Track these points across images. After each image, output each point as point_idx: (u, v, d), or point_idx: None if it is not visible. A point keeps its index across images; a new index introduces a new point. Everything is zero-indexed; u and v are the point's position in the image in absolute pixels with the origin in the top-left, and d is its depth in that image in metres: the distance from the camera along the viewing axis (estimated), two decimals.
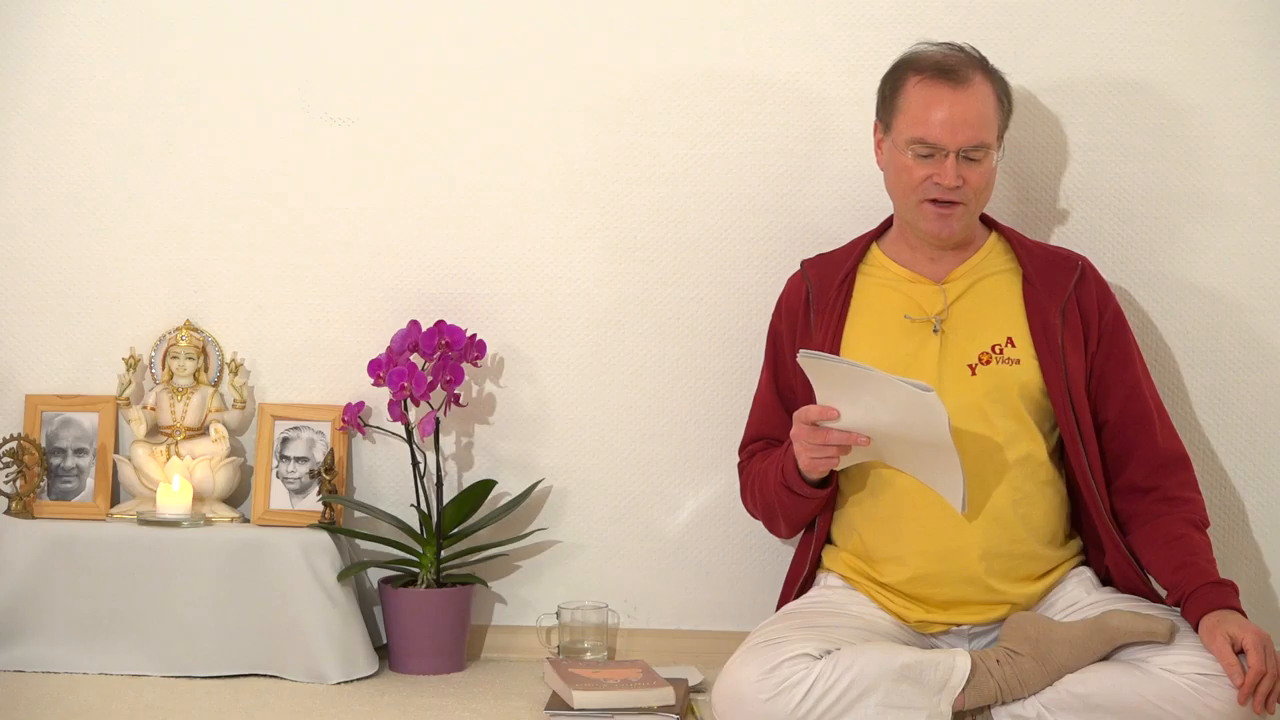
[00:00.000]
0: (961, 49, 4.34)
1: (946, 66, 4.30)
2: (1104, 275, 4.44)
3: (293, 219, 4.88)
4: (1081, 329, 4.36)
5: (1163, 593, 4.28)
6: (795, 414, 4.20)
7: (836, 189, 4.74)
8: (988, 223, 4.44)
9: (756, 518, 4.53)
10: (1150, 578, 4.33)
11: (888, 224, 4.46)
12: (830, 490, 4.30)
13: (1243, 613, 4.15)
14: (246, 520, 4.78)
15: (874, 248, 4.44)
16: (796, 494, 4.26)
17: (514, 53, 4.86)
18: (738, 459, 4.59)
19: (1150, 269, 4.74)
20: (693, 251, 4.83)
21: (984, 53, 4.34)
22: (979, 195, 4.31)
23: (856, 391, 4.09)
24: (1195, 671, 4.04)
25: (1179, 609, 4.19)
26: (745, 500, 4.54)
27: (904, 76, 4.32)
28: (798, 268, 4.50)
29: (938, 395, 4.04)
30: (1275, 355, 4.78)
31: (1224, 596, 4.17)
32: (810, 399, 4.19)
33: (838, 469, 4.22)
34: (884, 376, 4.06)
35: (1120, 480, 4.36)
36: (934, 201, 4.29)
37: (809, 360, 4.11)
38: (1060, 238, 4.72)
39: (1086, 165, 4.78)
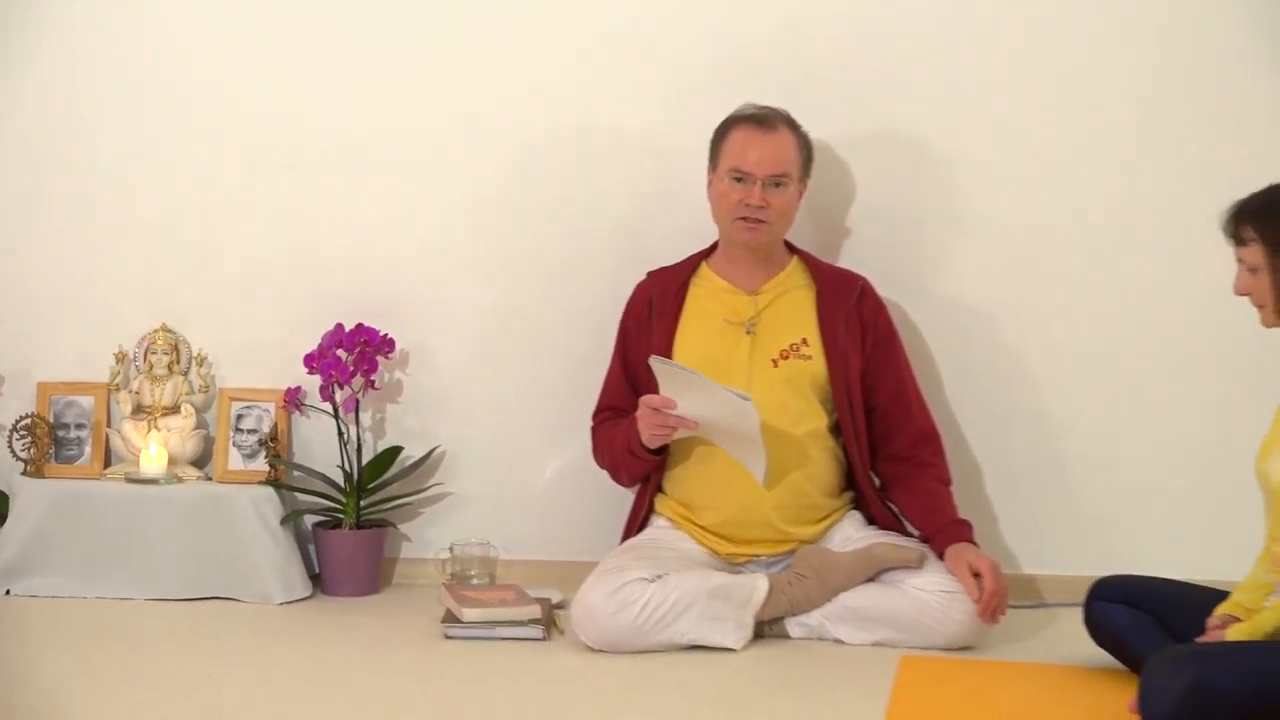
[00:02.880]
0: (773, 109, 4.94)
1: (759, 117, 4.91)
2: (880, 290, 5.05)
3: (247, 245, 5.42)
4: (860, 334, 4.96)
5: (915, 532, 4.91)
6: (642, 399, 4.78)
7: (676, 223, 5.25)
8: (791, 249, 5.04)
9: (604, 470, 5.08)
10: (903, 519, 4.97)
11: (714, 246, 5.05)
12: (664, 456, 4.89)
13: (977, 545, 4.83)
14: (209, 478, 5.35)
15: (703, 265, 5.03)
16: (638, 457, 4.86)
17: (424, 111, 5.37)
18: (591, 424, 5.13)
19: (915, 285, 5.29)
20: (561, 269, 5.37)
21: (793, 113, 4.94)
22: (781, 217, 4.90)
23: (691, 391, 4.70)
24: (940, 589, 4.70)
25: (929, 543, 4.84)
26: (596, 457, 5.09)
27: (729, 126, 4.93)
28: (644, 278, 5.08)
29: (754, 404, 4.62)
30: (1012, 355, 5.35)
31: (963, 532, 4.85)
32: (650, 381, 4.81)
33: (670, 441, 4.83)
34: (714, 385, 4.65)
35: (887, 450, 4.99)
36: (745, 219, 4.87)
37: (658, 364, 4.72)
38: (847, 258, 5.28)
39: (868, 202, 5.32)
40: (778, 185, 4.88)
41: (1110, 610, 4.47)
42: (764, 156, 4.87)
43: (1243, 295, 4.20)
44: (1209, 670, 3.81)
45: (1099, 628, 4.53)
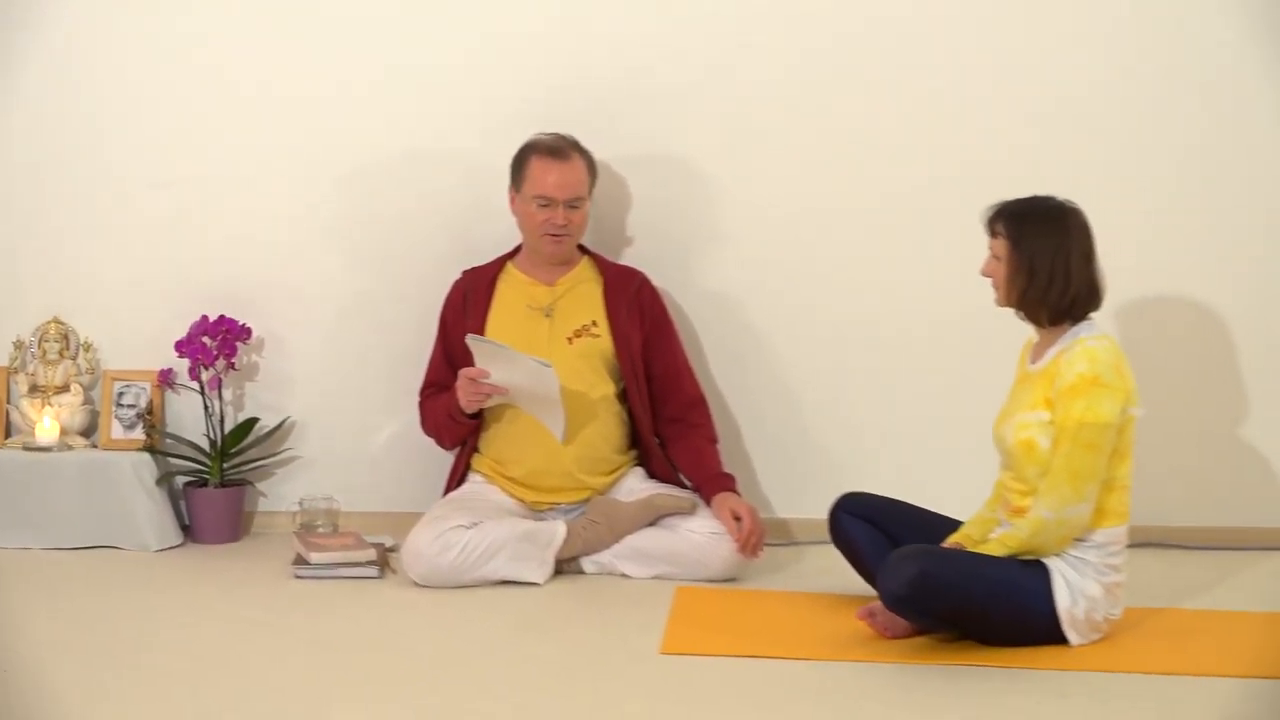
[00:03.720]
0: (563, 137, 5.25)
1: (555, 148, 5.20)
2: (656, 282, 5.41)
3: (127, 250, 5.66)
4: (639, 317, 5.31)
5: (688, 483, 5.26)
6: (460, 371, 5.05)
7: (486, 229, 5.52)
8: (583, 249, 5.36)
9: (429, 436, 5.36)
10: (680, 475, 5.28)
11: (518, 249, 5.36)
12: (479, 420, 5.20)
13: (739, 494, 5.19)
14: (95, 446, 5.58)
15: (509, 264, 5.34)
16: (457, 421, 5.17)
17: (277, 132, 5.61)
18: (418, 398, 5.39)
19: (683, 277, 5.63)
20: (392, 267, 5.65)
21: (579, 136, 5.26)
22: (578, 229, 5.25)
23: (501, 362, 5.00)
24: (709, 531, 5.07)
25: (699, 493, 5.19)
26: (423, 426, 5.36)
27: (528, 156, 5.21)
28: (459, 276, 5.36)
29: (554, 370, 4.93)
30: (763, 333, 5.65)
31: (727, 483, 5.21)
32: (466, 360, 5.10)
33: (485, 407, 5.13)
34: (520, 355, 4.95)
35: (663, 413, 5.34)
36: (550, 235, 5.21)
37: (473, 341, 5.00)
38: (627, 258, 5.59)
39: (643, 210, 5.62)
40: (574, 206, 5.20)
41: (851, 523, 4.77)
42: (563, 183, 5.16)
43: (987, 277, 4.53)
44: (934, 563, 4.32)
45: (840, 537, 4.81)
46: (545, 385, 4.98)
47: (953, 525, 4.70)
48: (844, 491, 4.88)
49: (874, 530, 4.76)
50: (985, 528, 4.62)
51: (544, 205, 5.19)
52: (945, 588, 4.30)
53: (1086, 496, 4.36)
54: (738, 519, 5.09)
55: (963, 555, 4.45)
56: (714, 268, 5.68)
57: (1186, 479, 5.62)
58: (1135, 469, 4.50)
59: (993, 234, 4.50)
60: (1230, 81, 5.56)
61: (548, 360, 4.95)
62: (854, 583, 4.90)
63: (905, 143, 5.62)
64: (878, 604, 4.46)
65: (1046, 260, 4.42)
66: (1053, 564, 4.41)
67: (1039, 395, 4.46)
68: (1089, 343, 4.43)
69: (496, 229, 5.47)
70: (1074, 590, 4.39)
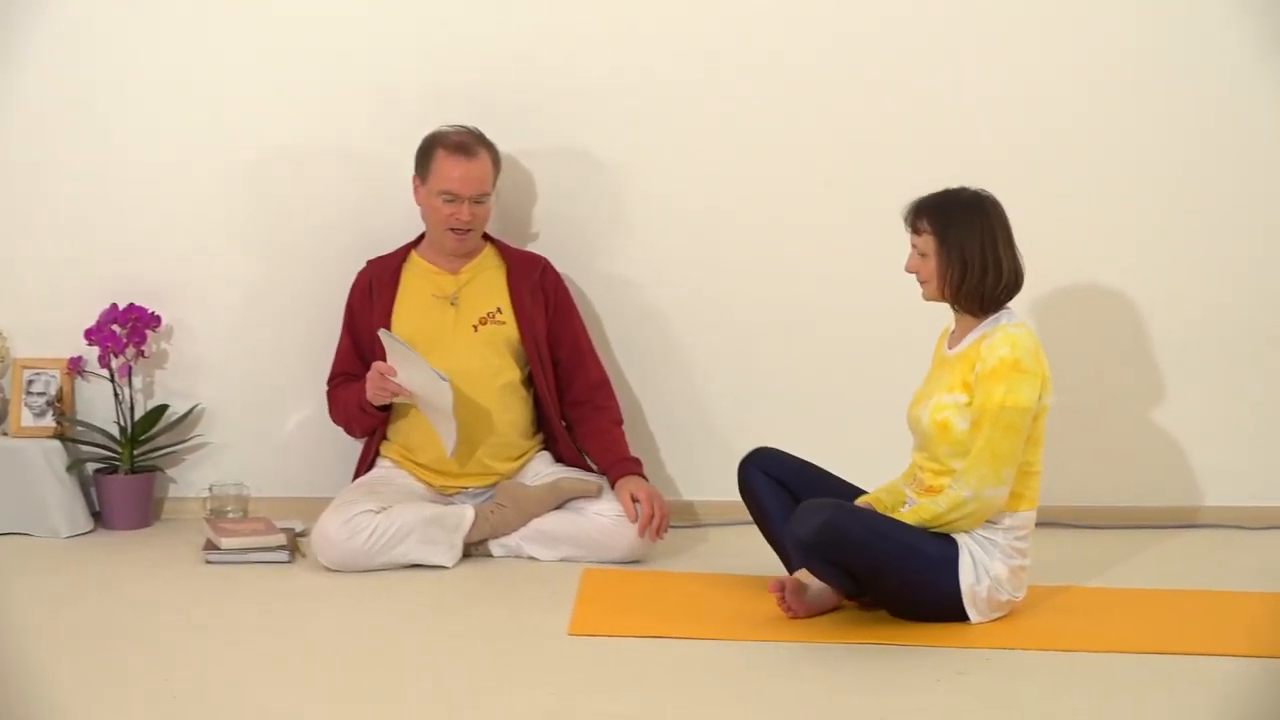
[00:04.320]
0: (469, 130, 5.24)
1: (462, 144, 5.19)
2: (560, 268, 5.44)
3: (38, 240, 5.67)
4: (544, 303, 5.33)
5: (595, 467, 5.28)
6: (373, 365, 5.06)
7: (389, 219, 5.53)
8: (486, 237, 5.37)
9: (338, 425, 5.38)
10: (586, 457, 5.31)
11: (422, 237, 5.36)
12: (388, 412, 5.22)
13: (645, 478, 5.23)
14: (5, 434, 5.56)
15: (413, 253, 5.35)
16: (366, 413, 5.19)
17: (182, 126, 5.61)
18: (327, 387, 5.40)
19: (588, 264, 5.66)
20: (298, 256, 5.66)
21: (484, 129, 5.26)
22: (483, 223, 5.27)
23: (406, 363, 5.02)
24: (615, 514, 5.11)
25: (605, 476, 5.22)
26: (332, 415, 5.37)
27: (435, 149, 5.20)
28: (364, 265, 5.38)
29: (450, 386, 4.92)
30: (665, 318, 5.69)
31: (632, 467, 5.26)
32: (374, 350, 5.15)
33: (390, 401, 5.14)
34: (423, 362, 4.96)
35: (569, 396, 5.36)
36: (455, 229, 5.22)
37: (385, 336, 5.04)
38: (534, 245, 5.61)
39: (548, 200, 5.66)
40: (479, 202, 5.22)
41: (760, 481, 4.79)
42: (469, 179, 5.19)
43: (912, 273, 4.58)
44: (842, 516, 4.39)
45: (748, 493, 4.84)
46: (441, 397, 4.99)
47: (859, 492, 4.78)
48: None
49: (782, 491, 4.79)
50: (896, 497, 4.70)
51: (449, 200, 5.22)
52: (853, 541, 4.36)
53: (1005, 479, 4.44)
54: (638, 502, 5.13)
55: (873, 514, 4.52)
56: (618, 254, 5.72)
57: (1091, 460, 5.71)
58: (1045, 449, 4.60)
59: (917, 231, 4.56)
60: (1231, 83, 5.67)
61: (445, 374, 4.96)
62: (759, 564, 4.96)
63: (813, 139, 5.73)
64: (789, 578, 4.55)
65: (976, 250, 4.49)
66: (961, 540, 4.49)
67: (957, 378, 4.53)
68: (1010, 329, 4.51)
69: (394, 219, 5.54)
70: (979, 568, 4.47)
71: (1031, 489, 4.56)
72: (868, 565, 4.41)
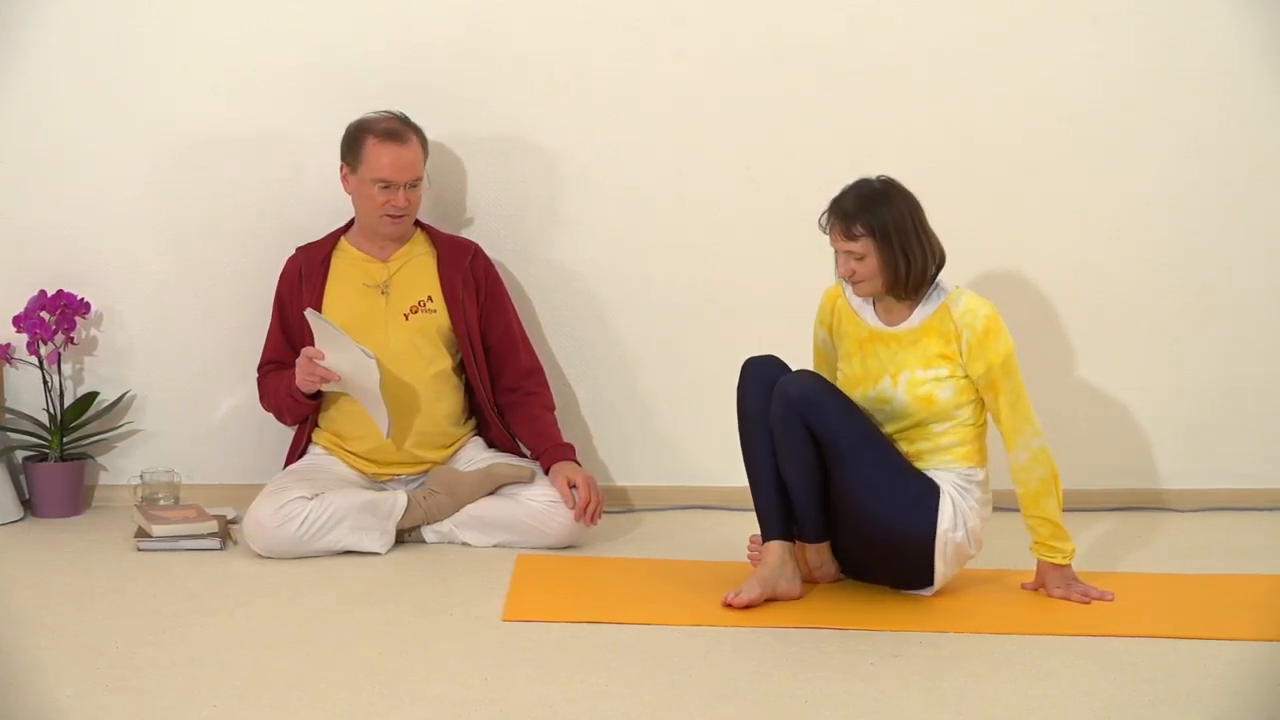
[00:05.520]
0: (395, 115, 5.24)
1: (391, 130, 5.19)
2: (492, 254, 5.43)
3: None
4: (475, 289, 5.30)
5: (528, 453, 5.28)
6: (302, 350, 5.06)
7: (312, 206, 5.54)
8: (417, 223, 5.36)
9: (269, 412, 5.37)
10: (519, 443, 5.31)
11: (351, 223, 5.34)
12: (319, 400, 5.22)
13: (579, 464, 5.25)
14: None
15: (343, 240, 5.32)
16: (297, 400, 5.18)
17: (110, 113, 5.59)
18: (257, 375, 5.39)
19: (519, 250, 5.67)
20: (225, 242, 5.64)
21: (412, 112, 5.26)
22: (415, 207, 5.26)
23: (333, 345, 5.02)
24: (548, 500, 5.11)
25: (538, 461, 5.23)
26: (263, 402, 5.36)
27: (364, 137, 5.19)
28: (294, 253, 5.36)
29: (376, 364, 4.92)
30: (600, 305, 5.70)
31: (566, 452, 5.26)
32: (304, 337, 5.12)
33: (322, 389, 5.14)
34: (347, 340, 4.94)
35: (500, 383, 5.34)
36: (390, 216, 5.22)
37: (312, 316, 5.01)
38: (466, 231, 5.60)
39: (478, 186, 5.64)
40: (414, 186, 5.22)
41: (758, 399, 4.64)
42: (402, 165, 5.18)
43: (845, 277, 4.60)
44: (834, 387, 4.56)
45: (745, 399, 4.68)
46: (368, 376, 4.99)
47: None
48: (677, 466, 5.23)
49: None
50: None
51: (385, 188, 5.21)
52: (836, 411, 4.46)
53: (1038, 425, 4.59)
54: (573, 487, 5.14)
55: (868, 420, 4.57)
56: (549, 240, 5.73)
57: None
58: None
59: (851, 237, 4.56)
60: (1233, 82, 5.69)
61: (372, 351, 4.97)
62: (692, 549, 5.07)
63: (755, 123, 5.75)
64: (743, 588, 4.55)
65: (911, 238, 4.54)
66: (944, 486, 4.55)
67: (932, 352, 4.58)
68: (965, 293, 4.61)
69: (319, 202, 5.55)
70: (959, 515, 4.53)
71: (984, 447, 4.66)
72: (843, 449, 4.45)
